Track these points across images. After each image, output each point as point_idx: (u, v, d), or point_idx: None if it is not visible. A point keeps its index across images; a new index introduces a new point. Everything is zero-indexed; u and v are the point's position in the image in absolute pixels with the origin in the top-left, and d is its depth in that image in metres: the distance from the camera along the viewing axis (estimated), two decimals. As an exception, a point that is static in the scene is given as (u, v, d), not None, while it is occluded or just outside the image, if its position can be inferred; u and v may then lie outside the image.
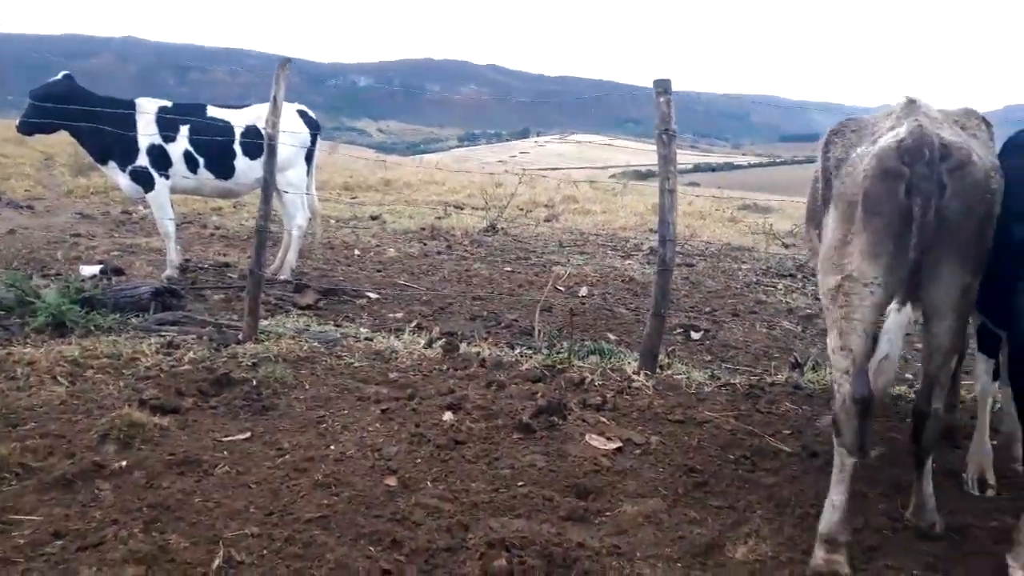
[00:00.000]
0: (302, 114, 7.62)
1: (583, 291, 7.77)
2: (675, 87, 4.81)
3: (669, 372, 4.85)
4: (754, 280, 9.12)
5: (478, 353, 5.09)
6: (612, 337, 5.91)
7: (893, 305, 2.75)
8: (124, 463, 3.11)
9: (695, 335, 6.29)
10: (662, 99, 4.72)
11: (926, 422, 2.90)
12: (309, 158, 7.70)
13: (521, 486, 3.24)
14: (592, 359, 4.99)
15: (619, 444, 3.73)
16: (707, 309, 7.37)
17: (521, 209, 14.92)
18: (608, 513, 3.10)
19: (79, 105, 6.59)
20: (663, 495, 3.26)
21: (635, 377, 4.63)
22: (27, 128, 6.78)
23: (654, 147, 4.98)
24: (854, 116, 3.34)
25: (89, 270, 6.94)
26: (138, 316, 5.47)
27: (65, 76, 6.81)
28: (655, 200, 5.17)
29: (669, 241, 4.76)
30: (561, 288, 7.93)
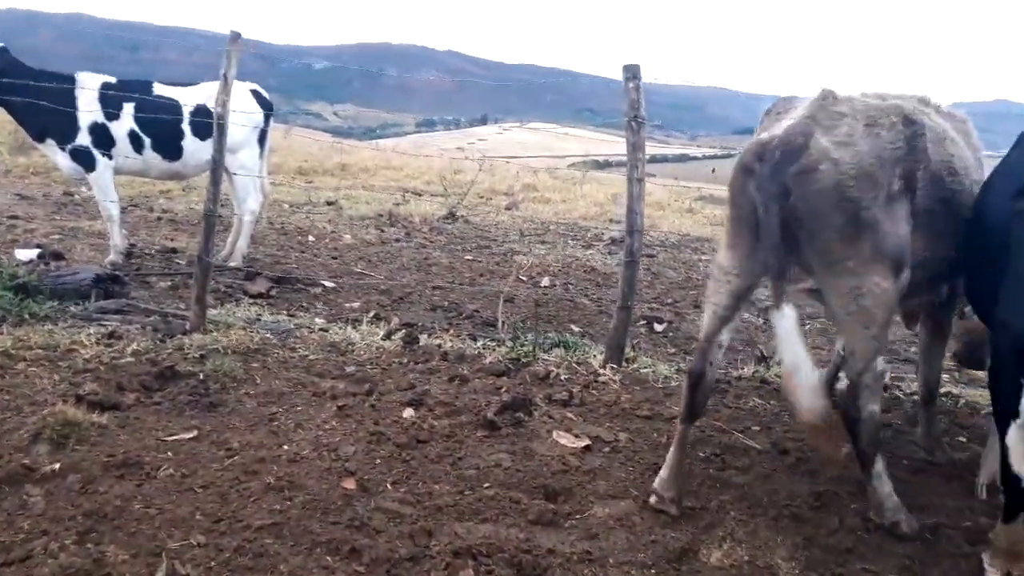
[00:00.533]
0: (255, 94, 7.31)
1: (545, 281, 7.64)
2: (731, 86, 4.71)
3: (635, 366, 4.74)
4: (715, 271, 9.11)
5: (439, 345, 4.91)
6: (576, 329, 5.79)
7: (776, 312, 2.65)
8: (57, 466, 2.86)
9: (659, 327, 6.22)
10: (631, 85, 4.59)
11: (857, 426, 2.85)
12: (262, 139, 7.40)
13: (487, 488, 3.10)
14: (557, 352, 4.86)
15: (587, 442, 3.61)
16: (669, 300, 7.32)
17: (481, 197, 14.70)
18: (578, 516, 2.97)
19: (14, 79, 6.20)
20: (634, 496, 3.14)
21: (601, 371, 4.52)
22: None
23: (612, 137, 4.91)
24: (791, 97, 3.30)
25: (26, 254, 6.54)
26: (78, 304, 5.15)
27: (1, 49, 6.39)
28: (614, 190, 5.10)
29: (637, 232, 4.64)
30: (523, 278, 7.79)
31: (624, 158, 4.80)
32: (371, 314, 5.76)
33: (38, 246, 7.03)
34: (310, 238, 9.28)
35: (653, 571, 2.63)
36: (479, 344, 5.11)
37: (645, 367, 4.78)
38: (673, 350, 5.64)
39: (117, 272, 5.90)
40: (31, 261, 6.35)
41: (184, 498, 2.78)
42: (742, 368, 4.99)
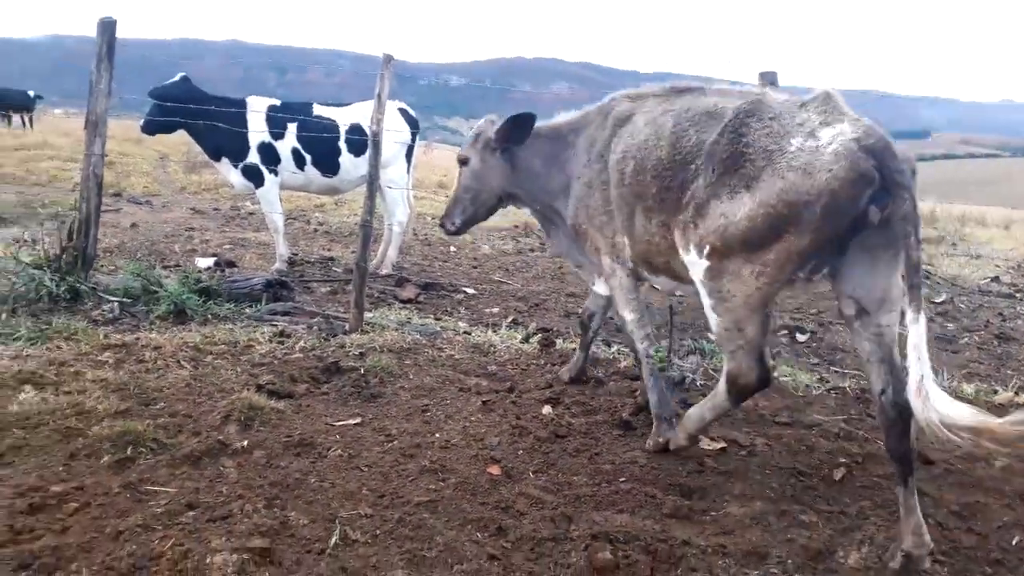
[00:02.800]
0: (402, 112, 7.82)
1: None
2: (779, 81, 4.69)
3: (775, 374, 4.72)
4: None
5: (574, 349, 5.10)
6: (712, 337, 5.80)
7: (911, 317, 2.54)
8: (245, 443, 3.28)
9: (801, 337, 6.11)
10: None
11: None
12: (409, 155, 7.89)
13: (623, 482, 3.24)
14: (692, 359, 4.92)
15: (723, 444, 3.68)
16: (813, 311, 7.14)
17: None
18: (713, 513, 3.05)
19: (196, 104, 6.95)
20: (770, 497, 3.19)
21: (738, 377, 4.53)
22: (151, 128, 7.12)
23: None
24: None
25: (204, 262, 7.33)
26: (251, 306, 5.74)
27: (183, 78, 7.19)
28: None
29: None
30: (657, 286, 7.83)
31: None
32: (509, 319, 6.04)
33: (214, 255, 7.85)
34: (452, 248, 9.75)
35: (788, 568, 2.68)
36: (613, 349, 5.26)
37: (785, 376, 4.76)
38: (816, 360, 5.54)
39: (283, 278, 6.50)
40: (209, 268, 7.10)
41: (352, 475, 3.11)
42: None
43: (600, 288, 4.14)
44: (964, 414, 2.28)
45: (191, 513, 2.70)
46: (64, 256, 5.49)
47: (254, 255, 8.22)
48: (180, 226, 9.98)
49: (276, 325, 5.29)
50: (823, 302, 7.51)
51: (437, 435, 3.59)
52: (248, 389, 3.89)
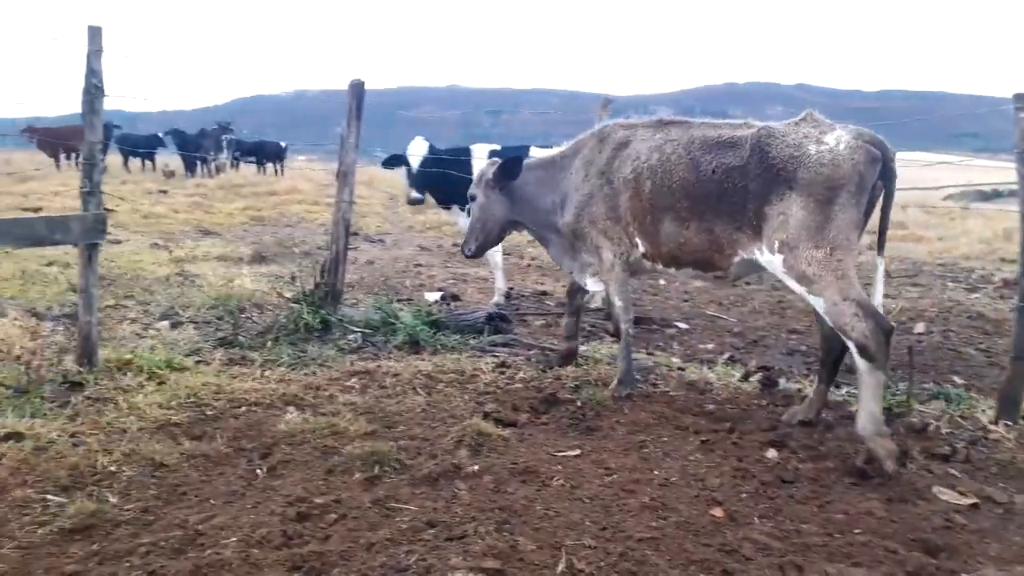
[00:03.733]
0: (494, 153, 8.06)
1: (919, 327, 7.03)
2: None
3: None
4: None
5: (799, 390, 4.88)
6: (958, 380, 5.27)
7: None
8: (476, 467, 3.51)
9: None
10: (1022, 115, 4.18)
11: None
12: None
13: (858, 534, 3.04)
14: (935, 404, 4.51)
15: (975, 500, 3.33)
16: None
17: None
18: (964, 575, 2.78)
19: (432, 162, 7.54)
20: (1036, 564, 2.83)
21: (992, 427, 4.11)
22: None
23: (1000, 163, 4.47)
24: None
25: (432, 296, 7.93)
26: (474, 338, 6.11)
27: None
28: (1007, 224, 4.52)
29: (1036, 273, 4.16)
30: (893, 323, 7.25)
31: (1016, 186, 4.36)
32: (725, 356, 5.89)
33: (440, 289, 8.45)
34: (661, 281, 9.69)
35: (1064, 648, 2.37)
36: (843, 391, 4.95)
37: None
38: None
39: (503, 311, 6.85)
40: (436, 301, 7.66)
41: (574, 506, 3.21)
42: None
43: (591, 285, 5.04)
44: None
45: (431, 531, 2.94)
46: (317, 291, 6.22)
47: (474, 289, 8.74)
48: (409, 262, 10.86)
49: (497, 356, 5.59)
50: None
51: (656, 472, 3.60)
52: (476, 416, 4.16)
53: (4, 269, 7.90)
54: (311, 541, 2.83)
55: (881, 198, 3.86)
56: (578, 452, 3.79)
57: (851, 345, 3.65)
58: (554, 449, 3.83)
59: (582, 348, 5.67)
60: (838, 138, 3.70)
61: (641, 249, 4.53)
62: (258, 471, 3.42)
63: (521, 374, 5.10)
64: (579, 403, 4.50)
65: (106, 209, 4.54)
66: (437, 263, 11.08)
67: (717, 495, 3.37)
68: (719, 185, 3.99)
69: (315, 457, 3.59)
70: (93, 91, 4.12)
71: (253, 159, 30.35)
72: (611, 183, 4.54)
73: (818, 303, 3.76)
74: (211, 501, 3.12)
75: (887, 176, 3.77)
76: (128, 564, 2.59)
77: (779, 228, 3.77)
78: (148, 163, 28.68)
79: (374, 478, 3.39)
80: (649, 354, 5.89)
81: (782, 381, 5.10)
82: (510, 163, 5.06)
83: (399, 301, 7.56)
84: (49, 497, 3.04)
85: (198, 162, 26.84)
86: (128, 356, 4.68)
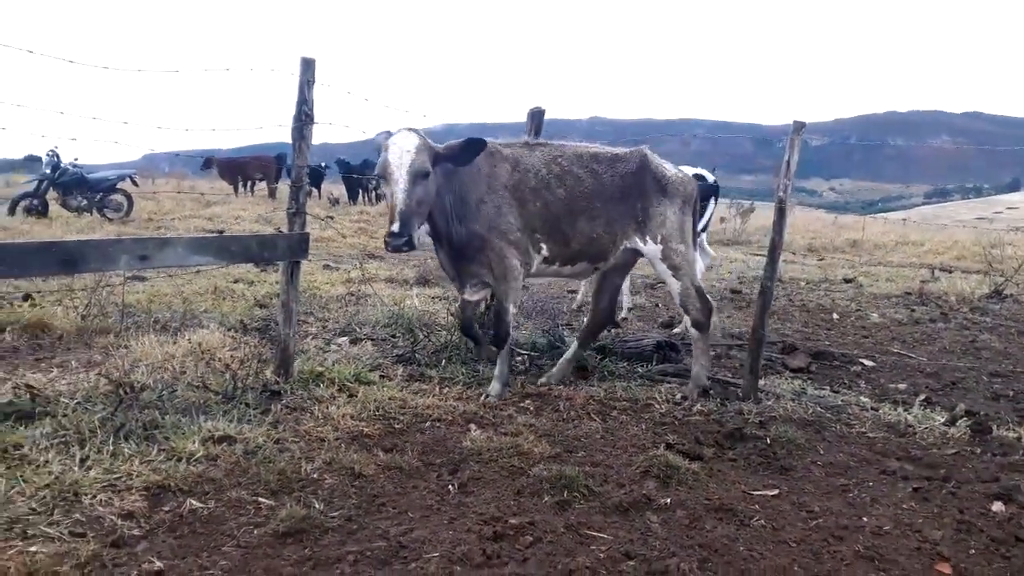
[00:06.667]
0: (698, 177, 8.05)
1: None
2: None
3: None
4: None
5: (1019, 439, 4.37)
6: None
7: None
8: (668, 500, 3.37)
9: None
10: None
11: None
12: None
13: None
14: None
15: None
16: None
17: (1027, 273, 12.60)
18: None
19: None
20: None
21: None
22: None
23: None
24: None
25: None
26: (642, 366, 5.96)
27: None
28: None
29: None
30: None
31: None
32: (921, 397, 5.41)
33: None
34: (834, 316, 9.13)
35: None
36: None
37: None
38: None
39: (672, 340, 6.65)
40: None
41: (780, 549, 3.00)
42: None
43: (471, 296, 5.02)
44: None
45: (630, 563, 2.83)
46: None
47: (632, 316, 8.58)
48: (562, 287, 10.86)
49: (670, 385, 5.41)
50: None
51: (865, 519, 3.31)
52: (658, 447, 4.02)
53: (198, 285, 8.61)
54: (509, 563, 2.79)
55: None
56: (776, 492, 3.56)
57: (689, 320, 5.24)
58: (748, 487, 3.62)
59: (760, 382, 5.39)
60: (677, 170, 5.42)
61: (545, 253, 5.00)
62: (450, 487, 3.45)
63: (699, 406, 4.89)
64: (768, 440, 4.25)
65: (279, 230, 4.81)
66: (584, 288, 10.99)
67: (941, 549, 3.05)
68: (620, 190, 5.08)
69: (503, 476, 3.58)
70: (303, 119, 4.40)
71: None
72: (519, 196, 4.82)
73: (676, 287, 5.20)
74: (409, 514, 3.17)
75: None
76: (339, 571, 2.67)
77: (660, 225, 5.13)
78: (315, 190, 30.70)
79: (564, 503, 3.32)
80: (834, 391, 5.51)
81: (995, 427, 4.60)
82: (476, 143, 4.50)
83: (560, 326, 7.54)
84: (261, 500, 3.19)
85: (360, 190, 28.39)
86: (320, 369, 4.92)
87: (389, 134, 4.46)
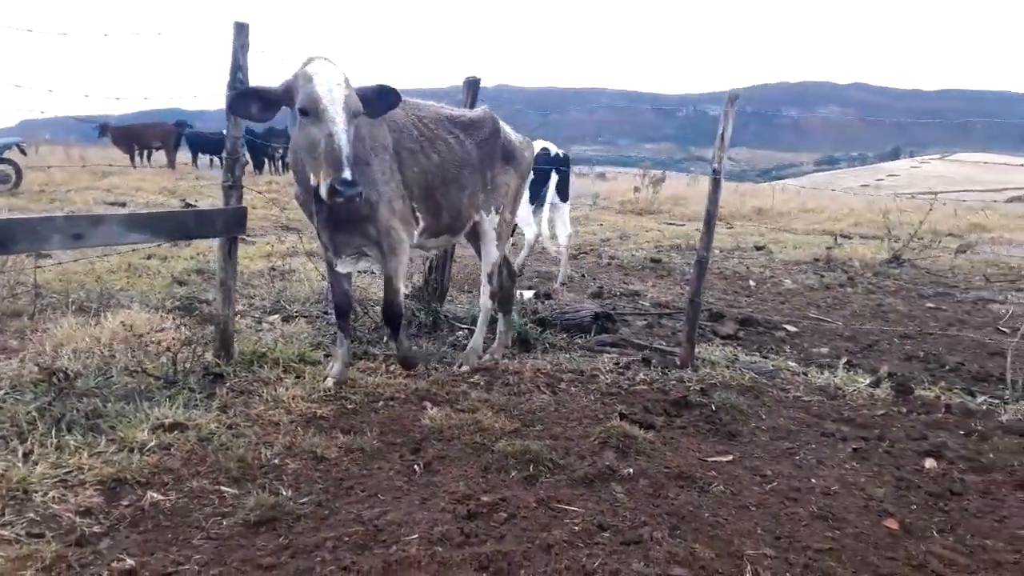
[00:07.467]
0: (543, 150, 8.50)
1: None
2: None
3: None
4: None
5: (938, 398, 4.70)
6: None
7: None
8: (631, 470, 3.45)
9: None
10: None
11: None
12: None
13: (1050, 552, 2.90)
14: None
15: None
16: None
17: (920, 238, 13.42)
18: None
19: None
20: None
21: None
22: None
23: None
24: None
25: (527, 294, 7.89)
26: (581, 337, 6.05)
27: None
28: None
29: None
30: (1005, 329, 6.99)
31: None
32: (843, 360, 5.73)
33: (530, 287, 8.40)
34: (751, 283, 9.51)
35: None
36: (980, 400, 4.77)
37: None
38: None
39: (608, 311, 6.78)
40: (531, 299, 7.62)
41: (742, 514, 3.13)
42: None
43: (343, 268, 4.43)
44: None
45: (605, 534, 2.89)
46: (426, 288, 6.23)
47: (564, 289, 8.68)
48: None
49: (610, 355, 5.52)
50: None
51: (813, 480, 3.49)
52: (611, 418, 4.10)
53: (109, 262, 8.12)
54: (488, 540, 2.80)
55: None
56: (730, 458, 3.70)
57: (487, 289, 5.18)
58: (702, 454, 3.75)
59: (697, 349, 5.57)
60: (522, 137, 5.34)
61: (423, 224, 4.50)
62: (415, 467, 3.42)
63: (641, 375, 5.02)
64: (713, 407, 4.41)
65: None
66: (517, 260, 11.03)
67: (885, 506, 3.26)
68: (478, 158, 4.81)
69: (467, 454, 3.58)
70: (238, 86, 4.17)
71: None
72: (400, 159, 4.22)
73: (495, 256, 5.14)
74: (379, 496, 3.12)
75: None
76: (320, 559, 2.61)
77: (504, 195, 5.06)
78: (216, 160, 29.34)
79: (531, 477, 3.35)
80: (764, 357, 5.76)
81: (915, 388, 4.93)
82: (390, 93, 3.92)
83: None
84: (224, 489, 3.08)
85: (265, 159, 27.34)
86: (263, 349, 4.75)
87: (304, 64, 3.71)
